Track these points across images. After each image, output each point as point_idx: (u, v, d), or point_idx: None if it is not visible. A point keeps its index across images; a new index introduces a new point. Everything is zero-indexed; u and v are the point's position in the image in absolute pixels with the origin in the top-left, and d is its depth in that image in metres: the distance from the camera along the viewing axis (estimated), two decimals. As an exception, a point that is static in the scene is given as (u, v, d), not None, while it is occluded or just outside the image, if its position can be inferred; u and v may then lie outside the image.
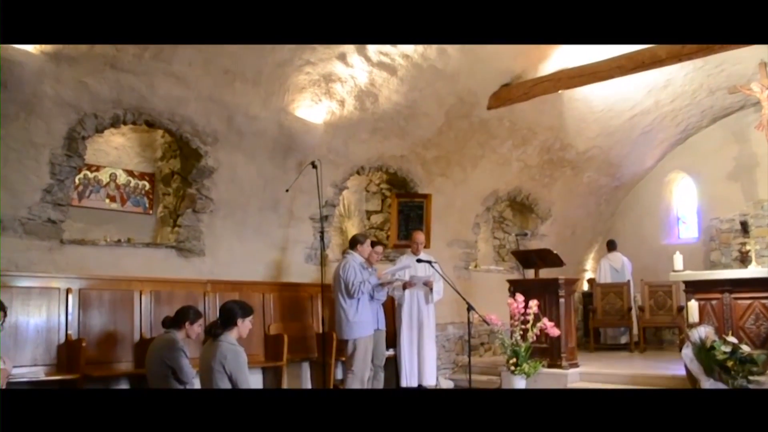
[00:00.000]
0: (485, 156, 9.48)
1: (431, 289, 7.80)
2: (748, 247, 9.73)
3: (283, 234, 7.75)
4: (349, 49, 6.72)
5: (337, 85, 7.13)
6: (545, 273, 8.48)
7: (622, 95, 9.37)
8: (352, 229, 9.28)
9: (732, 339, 6.32)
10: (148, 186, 7.48)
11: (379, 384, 7.45)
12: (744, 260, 10.29)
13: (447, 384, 8.63)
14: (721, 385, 6.17)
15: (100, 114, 6.06)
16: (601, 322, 10.79)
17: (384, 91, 7.47)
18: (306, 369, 7.58)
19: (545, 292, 7.83)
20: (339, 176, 8.14)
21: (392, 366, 7.88)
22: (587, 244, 12.44)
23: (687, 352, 6.47)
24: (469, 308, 6.84)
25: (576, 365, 7.88)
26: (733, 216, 11.06)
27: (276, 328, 7.20)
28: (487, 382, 8.13)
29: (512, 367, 7.50)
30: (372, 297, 7.16)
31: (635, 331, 10.54)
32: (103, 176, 7.15)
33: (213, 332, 4.54)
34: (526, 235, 11.16)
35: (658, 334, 11.43)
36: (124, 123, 6.37)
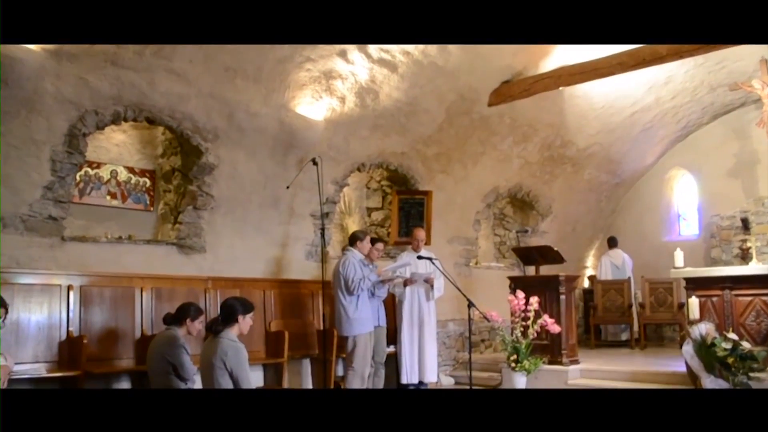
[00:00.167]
0: (486, 153, 9.48)
1: (432, 286, 7.81)
2: (748, 244, 9.72)
3: (284, 231, 7.75)
4: (350, 46, 6.72)
5: (338, 81, 7.12)
6: (546, 270, 8.47)
7: (622, 92, 9.37)
8: (353, 225, 9.29)
9: (732, 336, 6.33)
10: (148, 183, 7.48)
11: (380, 381, 7.46)
12: (745, 257, 10.28)
13: (448, 381, 8.65)
14: (721, 382, 6.17)
15: (100, 111, 6.06)
16: (601, 319, 10.80)
17: (384, 88, 7.47)
18: (307, 366, 7.59)
19: (546, 289, 7.84)
20: (340, 173, 8.14)
21: (393, 363, 7.88)
22: (588, 241, 12.44)
23: (687, 348, 6.48)
24: (470, 305, 6.84)
25: (577, 362, 7.88)
26: (734, 213, 11.06)
27: (277, 324, 7.20)
28: (488, 379, 8.15)
29: (513, 364, 7.51)
30: (373, 294, 7.17)
31: (636, 327, 10.54)
32: (104, 173, 7.16)
33: (214, 329, 4.54)
34: (526, 232, 11.17)
35: (658, 331, 11.44)
36: (125, 120, 6.37)
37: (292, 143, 7.31)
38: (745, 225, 10.82)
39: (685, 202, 12.12)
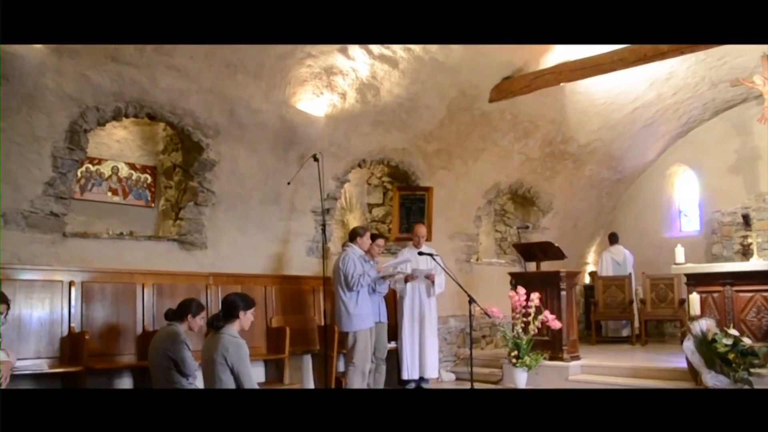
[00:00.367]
0: (487, 149, 9.48)
1: (433, 282, 7.82)
2: (749, 240, 9.72)
3: (285, 227, 7.76)
4: (351, 42, 6.72)
5: (339, 77, 7.12)
6: (547, 266, 8.48)
7: (624, 88, 9.36)
8: (354, 222, 9.29)
9: (733, 332, 6.33)
10: (150, 179, 7.48)
11: (381, 377, 7.46)
12: (746, 253, 10.27)
13: (449, 377, 8.66)
14: (722, 378, 6.18)
15: (101, 107, 6.06)
16: (602, 315, 10.81)
17: (385, 84, 7.46)
18: (308, 361, 7.60)
19: (547, 285, 7.84)
20: (340, 169, 8.14)
21: (394, 359, 7.90)
22: (589, 237, 12.44)
23: (688, 344, 6.48)
24: (471, 301, 6.85)
25: (577, 358, 7.89)
26: (735, 209, 11.04)
27: (278, 320, 7.22)
28: (489, 375, 8.16)
29: (514, 360, 7.52)
30: (374, 290, 7.18)
31: (637, 324, 10.55)
32: (105, 169, 7.16)
33: (215, 325, 4.54)
34: (527, 228, 11.16)
35: (659, 327, 11.45)
36: (126, 116, 6.38)
37: (293, 139, 7.31)
38: (746, 221, 10.81)
39: (686, 199, 12.12)
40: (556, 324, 7.47)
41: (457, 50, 7.36)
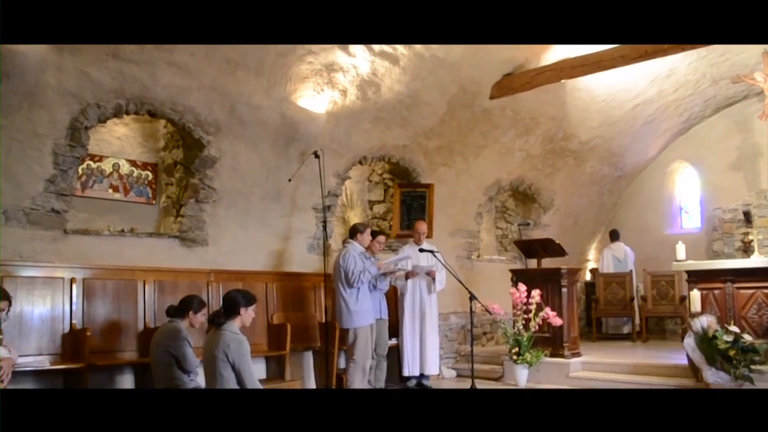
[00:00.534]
0: (488, 146, 9.47)
1: (434, 279, 7.82)
2: (750, 237, 9.72)
3: (286, 224, 7.76)
4: (352, 38, 6.71)
5: (339, 74, 7.12)
6: (548, 263, 8.49)
7: (625, 85, 9.35)
8: (355, 218, 9.30)
9: (734, 328, 6.34)
10: (151, 176, 7.49)
11: (382, 373, 7.47)
12: (747, 250, 10.27)
13: (449, 373, 8.66)
14: (723, 375, 6.18)
15: (102, 104, 6.06)
16: (603, 311, 10.82)
17: (386, 81, 7.46)
18: (309, 358, 7.61)
19: (548, 282, 7.85)
20: (341, 166, 8.14)
21: (395, 355, 7.91)
22: (590, 234, 12.44)
23: (689, 341, 6.49)
24: (472, 298, 6.87)
25: (578, 354, 7.90)
26: (736, 206, 11.05)
27: (279, 317, 7.23)
28: (490, 372, 8.16)
29: (515, 357, 7.53)
30: (375, 287, 7.18)
31: (637, 320, 10.57)
32: (106, 166, 7.17)
33: (216, 321, 4.55)
34: (528, 224, 11.17)
35: (660, 323, 11.45)
36: (127, 113, 6.38)
37: (293, 136, 7.31)
38: (747, 218, 10.81)
39: (687, 195, 12.11)
40: (556, 321, 7.48)
41: (457, 47, 7.35)
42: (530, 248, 8.75)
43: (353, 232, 7.10)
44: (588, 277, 12.29)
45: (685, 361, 6.84)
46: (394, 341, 7.85)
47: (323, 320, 7.45)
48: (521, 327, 7.61)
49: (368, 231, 7.15)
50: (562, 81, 8.14)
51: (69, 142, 5.94)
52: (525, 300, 7.62)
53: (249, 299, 4.65)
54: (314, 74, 6.97)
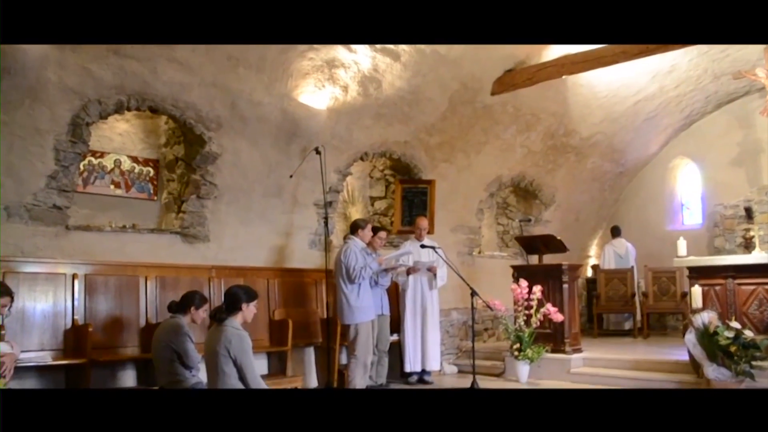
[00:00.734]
0: (489, 142, 9.47)
1: (435, 275, 7.82)
2: (752, 233, 9.72)
3: (287, 220, 7.77)
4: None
5: (341, 70, 7.12)
6: (549, 259, 8.48)
7: (626, 81, 9.34)
8: (356, 215, 9.30)
9: (735, 324, 6.32)
10: (152, 172, 7.50)
11: (384, 369, 7.49)
12: (748, 246, 10.27)
13: (451, 369, 8.67)
14: (724, 371, 6.18)
15: (103, 100, 6.07)
16: (604, 308, 10.82)
17: (387, 77, 7.45)
18: (310, 354, 7.62)
19: (549, 278, 7.85)
20: (343, 162, 8.15)
21: (396, 351, 7.91)
22: (591, 230, 12.44)
23: (690, 337, 6.48)
24: (473, 294, 6.88)
25: (579, 350, 7.90)
26: (738, 202, 11.04)
27: (280, 313, 7.24)
28: (491, 368, 8.17)
29: (516, 353, 7.53)
30: (376, 282, 7.19)
31: (639, 317, 10.56)
32: (108, 162, 7.18)
33: (218, 317, 4.55)
34: (529, 221, 11.15)
35: (661, 319, 11.45)
36: (128, 109, 6.38)
37: (295, 132, 7.31)
38: (749, 214, 10.80)
39: (688, 191, 12.10)
40: (558, 317, 7.47)
41: (459, 43, 7.35)
42: (531, 244, 8.75)
43: (354, 228, 7.10)
44: (589, 273, 12.29)
45: (686, 357, 6.85)
46: (395, 337, 7.86)
47: (325, 316, 7.46)
48: (522, 323, 7.61)
49: (369, 227, 7.15)
50: (564, 77, 8.15)
51: (70, 138, 5.95)
52: (526, 296, 7.62)
53: (250, 295, 4.65)
54: (315, 70, 6.96)
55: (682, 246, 7.59)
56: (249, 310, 4.62)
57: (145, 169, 7.45)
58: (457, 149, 9.21)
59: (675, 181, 12.17)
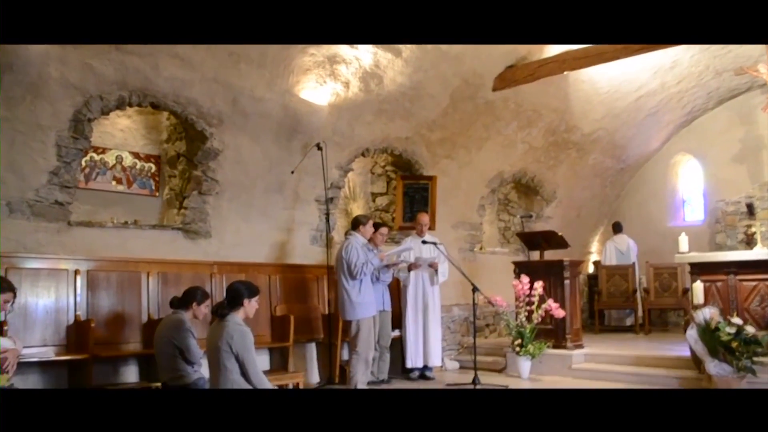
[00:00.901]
0: (490, 138, 9.47)
1: (436, 271, 7.83)
2: (753, 229, 9.72)
3: (289, 216, 7.77)
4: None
5: (342, 66, 7.11)
6: (550, 255, 8.49)
7: (627, 76, 9.33)
8: (358, 211, 9.30)
9: (737, 320, 6.32)
10: (154, 168, 7.50)
11: (385, 365, 7.50)
12: (749, 242, 10.28)
13: (452, 365, 8.68)
14: (725, 366, 6.18)
15: (105, 96, 6.07)
16: (606, 304, 10.82)
17: (389, 73, 7.45)
18: (312, 349, 7.63)
19: (550, 274, 7.85)
20: (344, 158, 8.15)
21: (398, 347, 7.92)
22: (592, 227, 12.44)
23: (692, 333, 6.48)
24: (475, 290, 6.89)
25: (581, 346, 7.91)
26: (739, 198, 11.04)
27: (282, 309, 7.24)
28: (493, 363, 8.17)
29: (517, 348, 7.54)
30: (377, 278, 7.20)
31: (640, 313, 10.56)
32: (110, 158, 7.18)
33: (220, 312, 4.56)
34: (531, 217, 11.15)
35: (663, 316, 11.47)
36: (130, 105, 6.39)
37: (296, 128, 7.31)
38: (750, 210, 10.80)
39: (690, 188, 12.10)
40: (559, 313, 7.48)
41: (460, 39, 7.34)
42: (533, 240, 8.75)
43: (356, 223, 7.11)
44: (591, 269, 12.29)
45: (687, 353, 6.85)
46: (397, 333, 7.86)
47: (326, 312, 7.48)
48: (524, 319, 7.62)
49: (370, 223, 7.15)
50: (565, 73, 8.13)
51: (72, 134, 5.95)
52: (528, 292, 7.62)
53: (252, 290, 4.65)
54: (317, 66, 6.96)
55: (683, 242, 7.59)
56: (251, 305, 4.63)
57: (146, 165, 7.45)
58: (458, 145, 9.21)
59: (676, 178, 12.17)
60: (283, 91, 6.97)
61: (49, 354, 5.47)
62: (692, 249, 7.76)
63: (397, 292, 8.00)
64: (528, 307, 7.61)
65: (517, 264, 8.33)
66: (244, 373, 4.36)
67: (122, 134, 7.36)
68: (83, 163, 6.71)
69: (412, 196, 8.89)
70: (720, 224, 11.30)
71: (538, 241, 8.57)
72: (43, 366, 5.53)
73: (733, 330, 6.19)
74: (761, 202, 10.74)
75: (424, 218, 8.02)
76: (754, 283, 7.02)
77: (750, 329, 6.22)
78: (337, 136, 7.77)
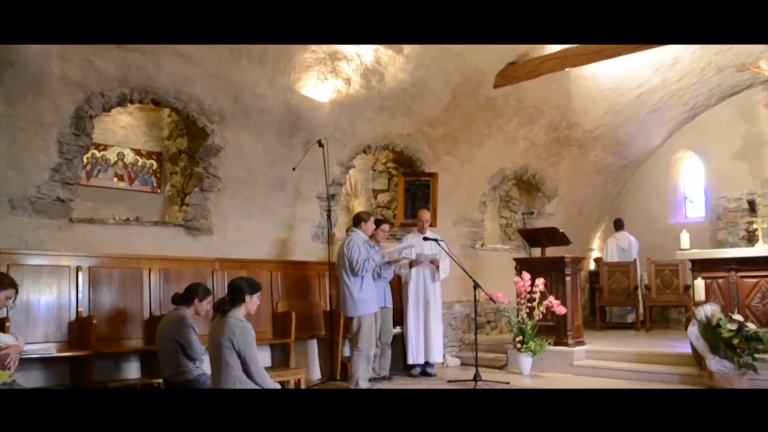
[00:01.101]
0: (492, 134, 9.46)
1: (438, 267, 7.83)
2: (755, 226, 9.70)
3: (290, 212, 7.77)
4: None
5: (343, 63, 7.11)
6: (552, 252, 8.49)
7: (629, 73, 9.32)
8: (359, 207, 9.30)
9: (738, 317, 6.34)
10: (155, 165, 7.51)
11: (387, 361, 7.51)
12: (751, 239, 10.27)
13: (454, 362, 8.69)
14: (726, 363, 6.19)
15: (106, 93, 6.07)
16: (607, 300, 10.83)
17: (390, 69, 7.45)
18: (314, 346, 7.64)
19: (552, 271, 7.85)
20: (345, 155, 8.15)
21: (399, 343, 7.93)
22: (594, 223, 12.44)
23: (693, 330, 6.49)
24: (476, 286, 6.89)
25: (582, 343, 7.91)
26: (741, 195, 11.05)
27: (284, 305, 7.25)
28: (494, 360, 8.18)
29: (519, 345, 7.54)
30: (379, 275, 7.20)
31: (641, 309, 10.57)
32: (111, 155, 7.19)
33: (221, 309, 4.57)
34: (532, 213, 11.16)
35: (664, 312, 11.46)
36: (131, 102, 6.39)
37: (297, 125, 7.31)
38: (752, 207, 10.80)
39: (691, 184, 12.10)
40: (560, 309, 7.48)
41: (462, 35, 7.33)
42: (534, 237, 8.75)
43: (357, 220, 7.11)
44: (592, 266, 12.29)
45: (688, 350, 6.86)
46: (398, 329, 7.87)
47: (328, 308, 7.48)
48: (525, 315, 7.62)
49: (372, 219, 7.16)
50: (567, 69, 8.12)
51: (74, 131, 5.96)
52: (529, 289, 7.62)
53: (254, 287, 4.67)
54: (318, 63, 6.96)
55: (685, 239, 7.59)
56: (252, 301, 4.64)
57: (148, 162, 7.46)
58: (459, 142, 9.21)
59: (678, 174, 12.16)
60: (285, 87, 6.97)
61: (51, 350, 5.48)
62: (693, 246, 7.76)
63: (398, 288, 8.00)
64: (529, 304, 7.62)
65: (518, 261, 8.32)
66: (246, 369, 4.37)
67: (124, 131, 7.37)
68: (85, 160, 6.73)
69: (414, 192, 8.89)
70: (721, 221, 11.30)
71: (539, 237, 8.58)
72: (45, 362, 5.55)
73: (734, 327, 6.20)
74: (763, 198, 10.75)
75: (426, 215, 8.02)
76: (755, 280, 7.02)
77: (751, 326, 6.24)
78: (338, 133, 7.77)
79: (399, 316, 7.90)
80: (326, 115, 7.45)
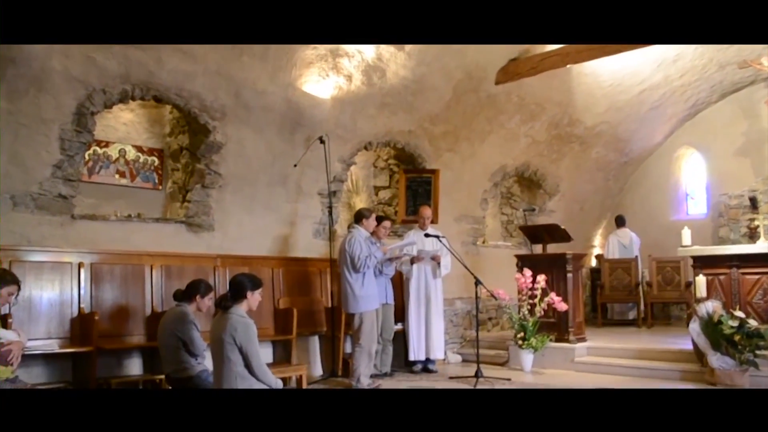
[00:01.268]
0: (493, 131, 9.46)
1: (439, 264, 7.83)
2: (756, 223, 9.68)
3: (292, 209, 7.78)
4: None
5: (345, 59, 7.11)
6: (553, 248, 8.48)
7: (631, 70, 9.31)
8: (360, 204, 9.32)
9: (739, 314, 6.34)
10: (157, 161, 7.52)
11: (388, 358, 7.52)
12: (752, 236, 10.27)
13: (455, 358, 8.70)
14: (728, 359, 6.20)
15: (108, 89, 6.08)
16: (608, 297, 10.83)
17: (391, 66, 7.45)
18: (315, 342, 7.65)
19: (553, 267, 7.85)
20: (347, 152, 8.15)
21: (401, 340, 7.94)
22: (595, 220, 12.44)
23: (694, 326, 6.50)
24: (477, 283, 6.89)
25: (583, 340, 7.92)
26: (742, 192, 11.04)
27: (285, 302, 7.25)
28: (495, 357, 8.19)
29: (520, 342, 7.55)
30: (380, 272, 7.21)
31: (643, 306, 10.56)
32: (113, 152, 7.20)
33: (223, 305, 4.57)
34: (534, 210, 11.16)
35: (665, 309, 11.46)
36: (133, 98, 6.39)
37: (299, 121, 7.31)
38: (754, 204, 10.80)
39: (693, 181, 12.09)
40: (562, 306, 7.49)
41: (463, 32, 7.33)
42: (535, 234, 8.75)
43: (358, 217, 7.11)
44: (593, 262, 12.29)
45: (690, 346, 6.86)
46: (399, 326, 7.88)
47: (329, 305, 7.49)
48: (526, 312, 7.63)
49: (373, 216, 7.16)
50: (568, 66, 8.13)
51: (75, 128, 5.96)
52: (530, 285, 7.63)
53: (255, 283, 4.67)
54: (319, 59, 6.96)
55: (686, 235, 7.59)
56: (254, 297, 4.64)
57: (149, 159, 7.47)
58: (461, 139, 9.21)
59: (680, 171, 12.16)
60: (286, 84, 6.97)
61: (53, 346, 5.50)
62: (695, 242, 7.76)
63: (399, 285, 8.00)
64: (531, 301, 7.62)
65: (519, 257, 8.32)
66: (248, 365, 4.37)
67: (125, 128, 7.38)
68: (86, 157, 6.74)
69: (415, 189, 8.89)
70: (723, 218, 11.29)
71: (540, 234, 8.57)
72: (48, 358, 5.56)
73: (735, 323, 6.20)
74: (764, 195, 10.74)
75: (427, 211, 8.01)
76: (756, 277, 7.02)
77: (752, 323, 6.24)
78: (339, 130, 7.77)
79: (400, 313, 7.90)
80: (327, 111, 7.45)
